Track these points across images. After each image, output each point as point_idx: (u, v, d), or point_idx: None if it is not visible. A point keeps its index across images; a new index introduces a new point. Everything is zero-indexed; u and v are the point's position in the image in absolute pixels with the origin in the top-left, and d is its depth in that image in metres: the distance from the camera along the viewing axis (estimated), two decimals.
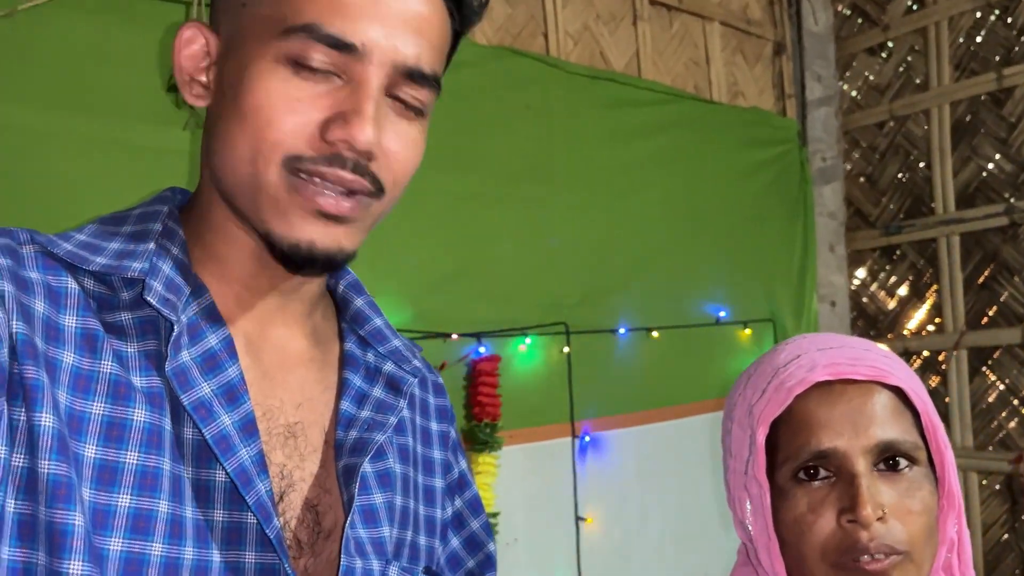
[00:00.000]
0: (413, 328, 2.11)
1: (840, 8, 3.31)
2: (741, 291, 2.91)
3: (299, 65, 0.67)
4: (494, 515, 2.15)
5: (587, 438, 2.44)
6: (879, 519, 0.76)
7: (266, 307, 0.77)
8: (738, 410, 0.87)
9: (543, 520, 2.35)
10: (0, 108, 1.60)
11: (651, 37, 2.82)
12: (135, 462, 0.65)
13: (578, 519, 2.39)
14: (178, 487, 0.67)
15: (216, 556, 0.67)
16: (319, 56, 0.67)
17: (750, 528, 0.84)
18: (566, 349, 2.41)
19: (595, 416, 2.47)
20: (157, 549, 0.65)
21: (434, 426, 0.91)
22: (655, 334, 2.64)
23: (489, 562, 0.91)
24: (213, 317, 0.72)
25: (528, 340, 2.34)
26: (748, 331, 2.90)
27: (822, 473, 0.79)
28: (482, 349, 2.22)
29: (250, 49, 0.69)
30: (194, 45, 0.74)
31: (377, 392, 0.82)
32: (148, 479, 0.65)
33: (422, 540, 0.84)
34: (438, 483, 0.88)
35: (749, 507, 0.84)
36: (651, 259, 2.67)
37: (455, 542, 0.90)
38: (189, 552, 0.66)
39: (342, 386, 0.80)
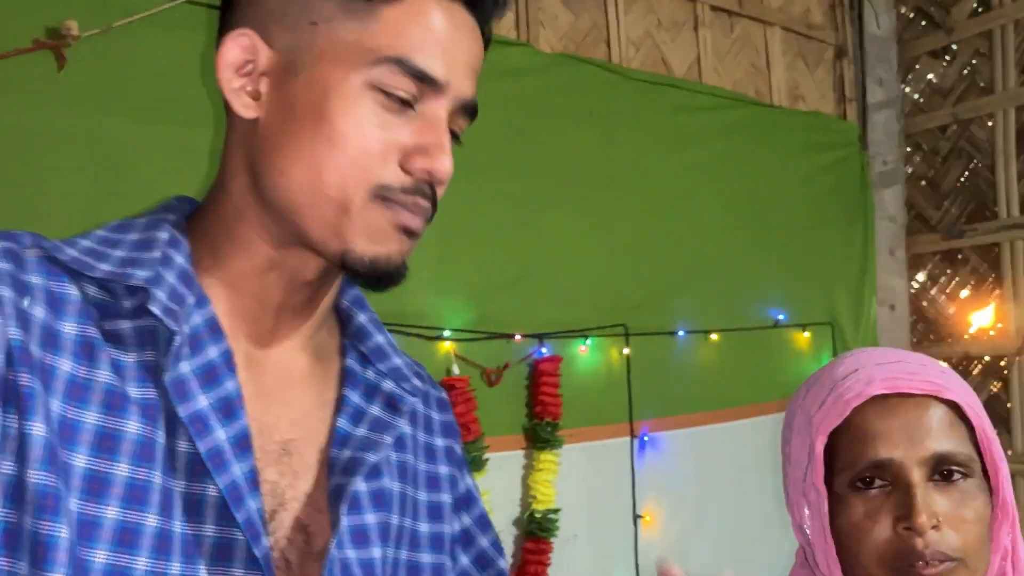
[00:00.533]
0: (478, 329, 2.18)
1: (903, 11, 3.30)
2: (800, 294, 2.93)
3: (386, 95, 0.70)
4: (555, 511, 2.21)
5: (646, 438, 2.49)
6: (933, 527, 0.80)
7: (275, 322, 0.77)
8: (797, 420, 0.91)
9: (602, 517, 2.41)
10: (97, 119, 1.70)
11: (712, 43, 2.85)
12: (125, 474, 0.65)
13: (636, 517, 2.45)
14: (168, 501, 0.67)
15: (203, 572, 0.67)
16: (406, 88, 0.70)
17: (808, 532, 0.89)
18: (626, 351, 2.46)
19: (654, 416, 2.52)
20: (142, 563, 0.64)
21: (439, 441, 0.90)
22: (714, 336, 2.67)
23: None
24: (214, 329, 0.72)
25: (588, 341, 2.39)
26: (807, 334, 2.92)
27: (878, 482, 0.83)
28: (544, 350, 2.28)
29: (331, 73, 0.70)
30: (241, 49, 0.73)
31: (375, 410, 0.81)
32: (138, 491, 0.65)
33: (426, 558, 0.84)
34: (445, 498, 0.88)
35: (807, 512, 0.88)
36: (711, 262, 2.71)
37: (464, 560, 0.90)
38: (176, 567, 0.66)
39: (340, 403, 0.80)
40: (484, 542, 0.91)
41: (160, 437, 0.67)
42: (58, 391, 0.64)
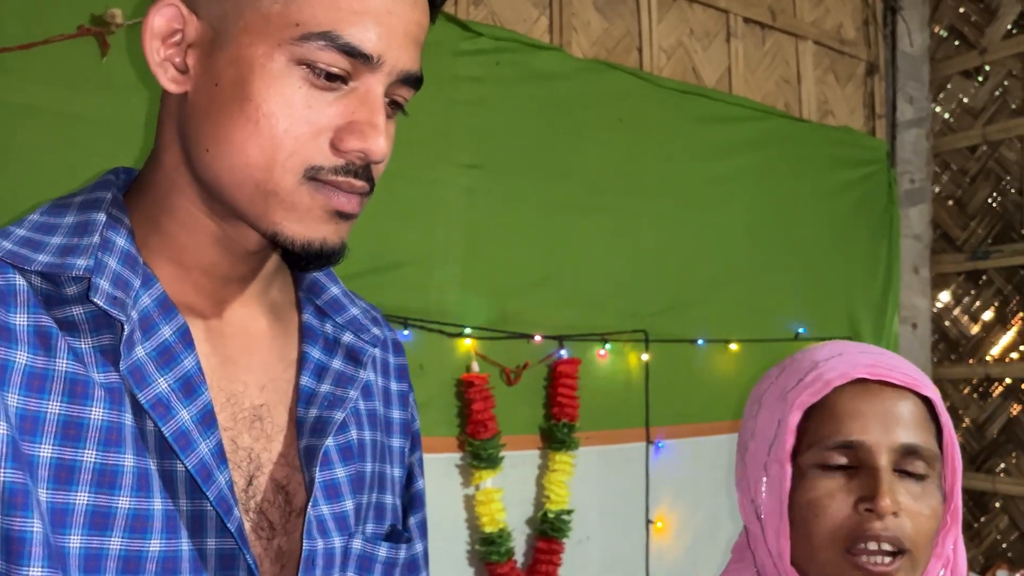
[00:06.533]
0: (499, 328, 2.20)
1: (937, 29, 3.30)
2: (821, 308, 2.93)
3: (313, 71, 0.67)
4: (568, 512, 2.23)
5: (661, 444, 2.50)
6: (893, 513, 0.80)
7: (226, 292, 0.76)
8: (768, 396, 0.92)
9: (615, 521, 2.42)
10: (137, 106, 1.73)
11: (743, 54, 2.86)
12: (92, 460, 0.65)
13: (648, 522, 2.46)
14: (145, 481, 0.67)
15: (185, 545, 0.68)
16: (335, 64, 0.67)
17: (761, 508, 0.89)
18: (645, 356, 2.47)
19: (670, 423, 2.53)
20: (115, 544, 0.65)
21: (394, 386, 0.91)
22: (733, 347, 2.68)
23: (423, 527, 0.93)
24: (165, 307, 0.71)
25: (608, 346, 2.41)
26: None
27: (845, 463, 0.84)
28: (563, 352, 2.30)
29: (256, 48, 0.67)
30: (167, 19, 0.70)
31: (337, 364, 0.81)
32: (107, 476, 0.66)
33: (388, 499, 0.85)
34: (396, 443, 0.89)
35: (764, 487, 0.88)
36: (733, 273, 2.72)
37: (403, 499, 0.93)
38: (155, 544, 0.67)
39: (301, 360, 0.80)
40: (419, 485, 0.93)
41: (128, 419, 0.68)
42: (15, 384, 0.64)
